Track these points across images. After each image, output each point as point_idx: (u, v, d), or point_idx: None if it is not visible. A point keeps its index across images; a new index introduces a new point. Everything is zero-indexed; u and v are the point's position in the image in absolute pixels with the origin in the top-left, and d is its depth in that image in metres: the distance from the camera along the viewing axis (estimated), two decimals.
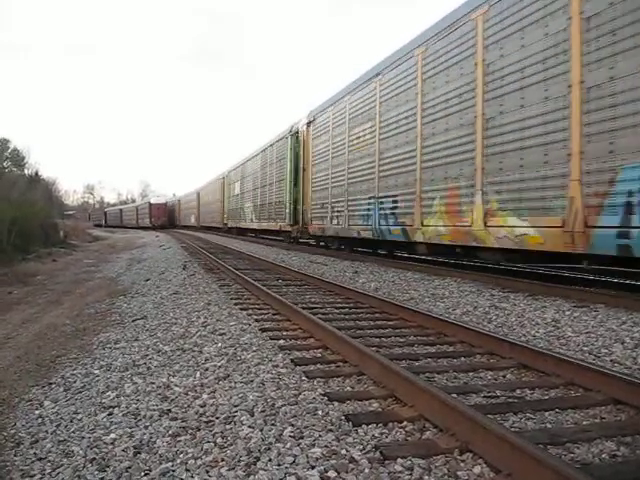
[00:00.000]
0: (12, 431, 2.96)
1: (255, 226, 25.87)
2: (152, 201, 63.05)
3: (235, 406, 3.06)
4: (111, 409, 3.16)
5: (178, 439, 2.66)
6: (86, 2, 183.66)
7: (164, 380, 3.65)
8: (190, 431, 2.75)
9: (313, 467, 2.29)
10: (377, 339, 4.80)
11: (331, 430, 2.69)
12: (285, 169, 19.61)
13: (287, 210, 19.11)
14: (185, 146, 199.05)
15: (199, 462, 2.39)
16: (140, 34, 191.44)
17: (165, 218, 60.28)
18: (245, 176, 28.61)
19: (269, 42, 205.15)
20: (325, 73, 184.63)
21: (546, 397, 3.28)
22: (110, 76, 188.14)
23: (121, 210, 79.67)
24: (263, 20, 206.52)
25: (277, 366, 3.88)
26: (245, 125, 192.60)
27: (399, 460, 2.34)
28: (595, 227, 6.22)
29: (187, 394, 3.34)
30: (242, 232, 30.58)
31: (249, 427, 2.74)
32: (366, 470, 2.26)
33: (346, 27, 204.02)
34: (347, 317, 5.89)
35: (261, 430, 2.70)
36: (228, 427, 2.77)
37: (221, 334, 4.99)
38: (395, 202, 11.03)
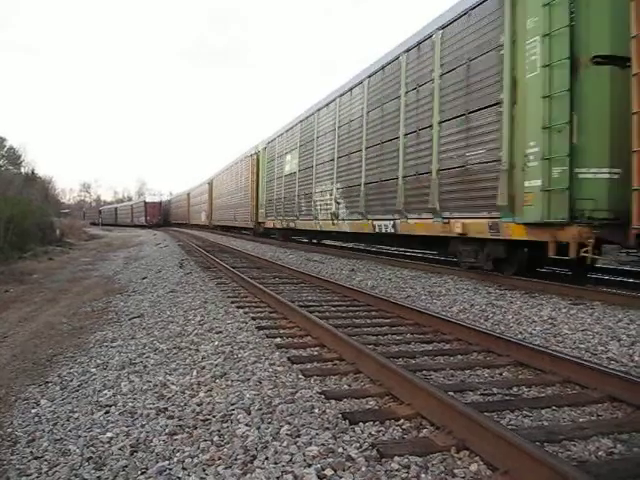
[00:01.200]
0: (9, 430, 2.95)
1: (345, 227, 13.47)
2: (147, 200, 63.42)
3: (232, 404, 3.06)
4: (108, 408, 3.15)
5: (175, 437, 2.65)
6: None
7: (161, 378, 3.65)
8: (187, 429, 2.74)
9: (310, 465, 2.29)
10: (374, 337, 4.80)
11: (328, 428, 2.69)
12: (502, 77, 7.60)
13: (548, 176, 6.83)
14: (182, 145, 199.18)
15: (196, 460, 2.39)
16: (138, 31, 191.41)
17: (160, 217, 60.90)
18: (315, 137, 15.98)
19: (269, 39, 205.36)
20: (325, 70, 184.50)
21: (543, 395, 3.29)
22: (108, 73, 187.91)
23: (116, 209, 79.65)
24: (263, 17, 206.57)
25: (274, 364, 3.88)
26: (243, 125, 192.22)
27: (396, 458, 2.34)
28: None
29: (184, 392, 3.34)
30: (288, 235, 20.28)
31: (246, 425, 2.74)
32: (363, 468, 2.26)
33: (345, 22, 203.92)
34: (344, 315, 5.89)
35: (258, 428, 2.70)
36: (225, 425, 2.77)
37: (218, 332, 4.98)
38: None
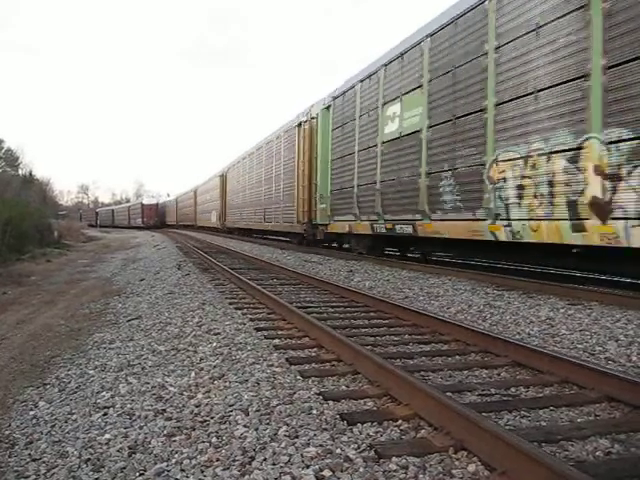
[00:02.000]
0: (7, 432, 2.95)
1: None
2: (144, 202, 63.78)
3: (230, 406, 3.06)
4: (106, 409, 3.15)
5: (173, 439, 2.65)
6: None
7: (159, 380, 3.65)
8: (185, 431, 2.74)
9: (308, 466, 2.29)
10: (372, 338, 4.80)
11: (326, 429, 2.69)
12: None
13: None
14: (181, 146, 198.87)
15: (194, 462, 2.39)
16: (138, 31, 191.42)
17: (157, 218, 61.28)
18: (491, 47, 8.14)
19: (269, 39, 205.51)
20: (325, 70, 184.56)
21: (540, 395, 3.29)
22: (107, 74, 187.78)
23: (113, 210, 79.82)
24: (263, 17, 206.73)
25: (272, 365, 3.88)
26: (241, 126, 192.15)
27: (394, 459, 2.34)
28: None
29: (182, 394, 3.33)
30: (381, 247, 13.03)
31: (244, 427, 2.74)
32: (361, 469, 2.27)
33: (345, 22, 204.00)
34: (342, 316, 5.89)
35: (256, 429, 2.70)
36: (223, 427, 2.77)
37: (216, 334, 4.98)
38: None
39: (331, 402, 3.11)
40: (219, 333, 5.00)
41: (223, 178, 31.73)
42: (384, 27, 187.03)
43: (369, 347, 4.25)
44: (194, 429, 2.76)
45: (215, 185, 34.11)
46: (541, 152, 7.26)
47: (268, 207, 21.00)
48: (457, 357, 4.20)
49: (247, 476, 2.24)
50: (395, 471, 2.25)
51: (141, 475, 2.30)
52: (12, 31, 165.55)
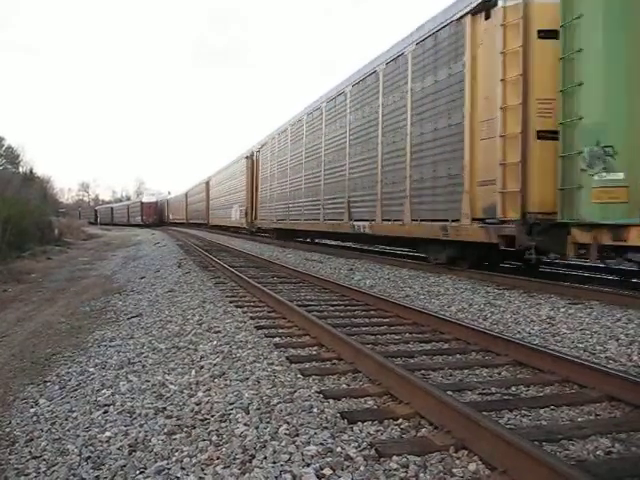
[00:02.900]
0: (7, 429, 2.95)
1: None
2: (144, 200, 64.08)
3: (230, 404, 3.06)
4: (106, 407, 3.15)
5: (173, 437, 2.65)
6: None
7: (159, 378, 3.65)
8: (185, 429, 2.74)
9: (308, 465, 2.29)
10: (372, 336, 4.80)
11: (326, 428, 2.69)
12: None
13: None
14: (181, 145, 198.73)
15: (194, 460, 2.39)
16: (138, 31, 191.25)
17: (156, 216, 61.76)
18: None
19: (269, 39, 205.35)
20: (325, 70, 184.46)
21: (541, 394, 3.29)
22: (107, 73, 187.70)
23: (112, 208, 79.77)
24: (263, 17, 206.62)
25: (272, 364, 3.88)
26: (241, 126, 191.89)
27: (394, 457, 2.34)
28: None
29: (182, 392, 3.33)
30: None
31: (244, 425, 2.74)
32: (361, 467, 2.26)
33: (345, 22, 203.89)
34: (342, 314, 5.89)
35: (256, 428, 2.69)
36: (223, 425, 2.76)
37: (216, 332, 4.98)
38: None
39: (332, 401, 3.10)
40: (219, 331, 5.00)
41: (252, 161, 23.59)
42: (384, 27, 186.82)
43: (370, 346, 4.24)
44: (194, 427, 2.76)
45: (239, 171, 25.58)
46: None
47: (361, 194, 12.36)
48: (458, 356, 4.20)
49: (247, 474, 2.24)
50: (396, 470, 2.25)
51: (141, 473, 2.30)
52: (12, 31, 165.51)
